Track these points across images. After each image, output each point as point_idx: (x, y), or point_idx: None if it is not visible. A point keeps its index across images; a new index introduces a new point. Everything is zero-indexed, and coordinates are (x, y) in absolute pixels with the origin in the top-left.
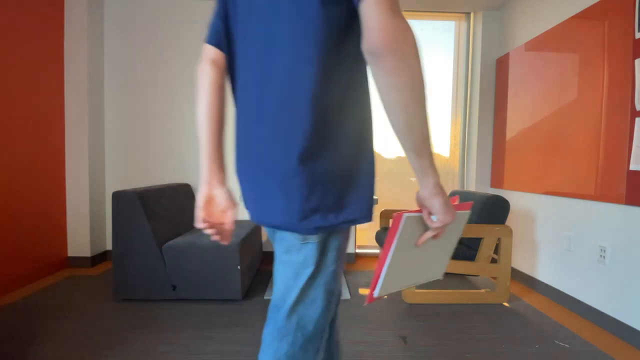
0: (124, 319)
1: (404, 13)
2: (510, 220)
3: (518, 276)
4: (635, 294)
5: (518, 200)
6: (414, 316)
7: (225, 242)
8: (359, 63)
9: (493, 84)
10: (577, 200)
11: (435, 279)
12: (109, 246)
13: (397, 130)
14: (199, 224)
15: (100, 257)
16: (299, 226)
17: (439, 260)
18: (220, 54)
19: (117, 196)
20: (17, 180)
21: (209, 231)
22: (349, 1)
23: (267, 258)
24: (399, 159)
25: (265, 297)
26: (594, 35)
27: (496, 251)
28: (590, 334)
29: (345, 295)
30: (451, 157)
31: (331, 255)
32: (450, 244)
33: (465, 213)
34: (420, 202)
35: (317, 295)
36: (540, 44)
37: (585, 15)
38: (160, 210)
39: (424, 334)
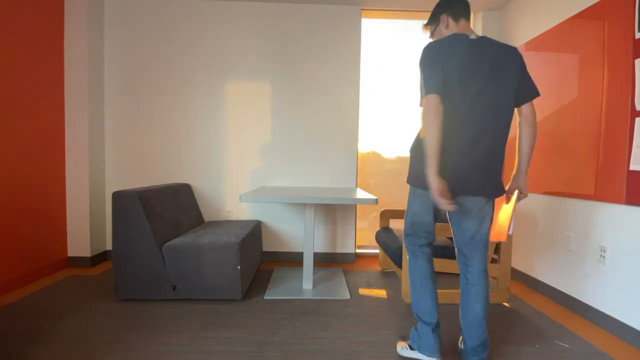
0: (124, 319)
1: (405, 12)
2: None
3: (518, 276)
4: (635, 294)
5: None
6: (414, 316)
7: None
8: None
9: None
10: (577, 200)
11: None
12: (109, 246)
13: (526, 153)
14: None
15: (100, 257)
16: (496, 194)
17: None
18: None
19: (117, 196)
20: (17, 180)
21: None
22: (515, 103)
23: (267, 258)
24: (399, 159)
25: (265, 297)
26: (594, 35)
27: (496, 251)
28: (590, 334)
29: (345, 295)
30: None
31: (492, 208)
32: None
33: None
34: (515, 187)
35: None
36: (540, 44)
37: (585, 15)
38: (160, 210)
39: None
